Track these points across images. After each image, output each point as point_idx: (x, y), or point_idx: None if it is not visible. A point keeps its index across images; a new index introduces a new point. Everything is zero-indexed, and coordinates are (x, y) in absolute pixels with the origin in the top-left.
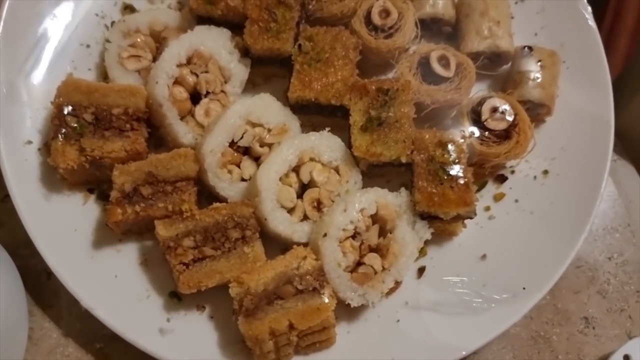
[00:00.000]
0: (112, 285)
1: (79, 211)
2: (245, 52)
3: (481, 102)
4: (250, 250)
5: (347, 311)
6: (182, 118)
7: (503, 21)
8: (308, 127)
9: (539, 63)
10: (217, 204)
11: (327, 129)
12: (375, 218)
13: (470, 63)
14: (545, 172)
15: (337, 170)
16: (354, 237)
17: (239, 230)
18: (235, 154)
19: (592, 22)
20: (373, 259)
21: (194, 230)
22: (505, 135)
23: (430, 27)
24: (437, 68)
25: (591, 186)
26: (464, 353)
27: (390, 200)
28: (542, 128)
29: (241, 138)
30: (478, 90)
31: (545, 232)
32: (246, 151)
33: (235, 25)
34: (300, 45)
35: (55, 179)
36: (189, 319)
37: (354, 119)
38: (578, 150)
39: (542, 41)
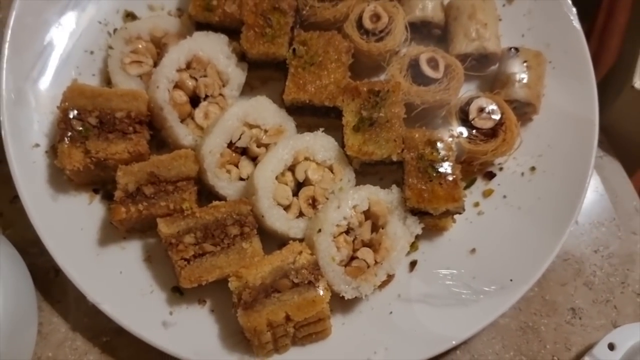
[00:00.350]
0: (117, 281)
1: (85, 211)
2: (242, 57)
3: (469, 102)
4: (248, 245)
5: (341, 303)
6: (182, 120)
7: (490, 23)
8: (303, 127)
9: (525, 64)
10: (217, 202)
11: (321, 129)
12: (367, 214)
13: (459, 64)
14: (532, 168)
15: (331, 168)
16: (347, 232)
17: (238, 227)
18: (234, 155)
19: (576, 23)
20: (366, 254)
21: (195, 228)
22: (492, 133)
23: (420, 30)
24: (427, 70)
25: (576, 182)
26: (454, 342)
27: (382, 197)
28: (529, 126)
29: (239, 139)
30: (466, 90)
31: (532, 227)
32: (244, 151)
33: (232, 30)
34: (294, 50)
35: (62, 180)
36: (190, 313)
37: (346, 119)
38: (564, 147)
39: (529, 42)
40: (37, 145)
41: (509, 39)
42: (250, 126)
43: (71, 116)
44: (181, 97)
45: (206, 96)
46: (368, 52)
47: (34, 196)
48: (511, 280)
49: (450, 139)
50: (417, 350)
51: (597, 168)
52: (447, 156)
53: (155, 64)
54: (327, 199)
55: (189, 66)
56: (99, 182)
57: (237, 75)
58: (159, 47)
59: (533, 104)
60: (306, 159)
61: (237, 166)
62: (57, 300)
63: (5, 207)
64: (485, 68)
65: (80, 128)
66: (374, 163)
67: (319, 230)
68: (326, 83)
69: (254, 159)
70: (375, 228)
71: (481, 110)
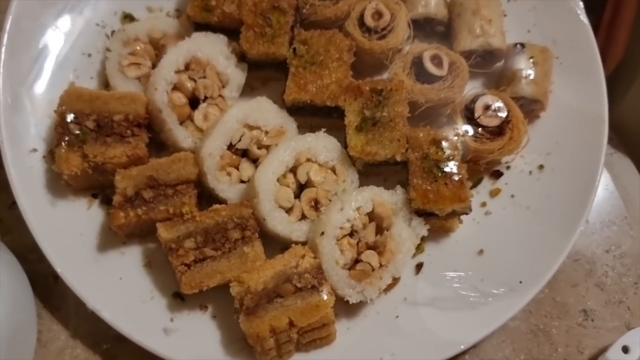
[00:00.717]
0: (116, 287)
1: (84, 216)
2: (241, 57)
3: (474, 100)
4: (250, 250)
5: (346, 308)
6: (181, 123)
7: (495, 19)
8: (305, 128)
9: (531, 60)
10: (217, 206)
11: (323, 129)
12: (371, 216)
13: (463, 61)
14: (541, 167)
15: (333, 170)
16: (351, 235)
17: (239, 230)
18: (234, 157)
19: (584, 18)
20: (370, 256)
21: (195, 232)
22: (498, 131)
23: (423, 27)
24: (430, 67)
25: (586, 180)
26: (462, 347)
27: (386, 198)
28: (537, 124)
29: (239, 141)
30: (472, 88)
31: (541, 226)
32: (244, 153)
33: (231, 31)
34: (295, 49)
35: (60, 185)
36: (192, 319)
37: (349, 119)
38: (573, 145)
39: (535, 38)
40: (35, 150)
41: (514, 35)
42: (251, 127)
43: (68, 120)
44: (180, 99)
45: (205, 97)
46: (370, 51)
47: (31, 202)
48: (520, 282)
49: (456, 138)
50: (425, 355)
51: (607, 165)
52: (453, 155)
53: (154, 66)
54: (330, 200)
55: (187, 67)
56: (97, 186)
57: (236, 76)
58: (158, 48)
59: (540, 100)
60: (308, 160)
61: (237, 168)
62: (56, 308)
63: (3, 213)
64: (490, 65)
65: (78, 132)
66: (378, 164)
67: (322, 233)
68: (328, 82)
69: (255, 161)
70: (379, 230)
71: (487, 107)
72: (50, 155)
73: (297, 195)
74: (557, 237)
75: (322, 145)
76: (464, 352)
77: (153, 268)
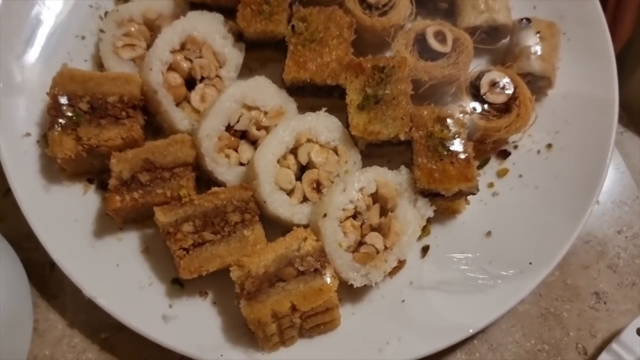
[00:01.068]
0: (114, 274)
1: (79, 201)
2: (239, 37)
3: (480, 76)
4: (250, 233)
5: (350, 292)
6: (177, 104)
7: None
8: (305, 109)
9: (538, 35)
10: (216, 189)
11: (324, 109)
12: (375, 197)
13: (468, 38)
14: (549, 146)
15: (335, 150)
16: (354, 216)
17: (239, 213)
18: (232, 138)
19: None
20: (375, 238)
21: (193, 216)
22: (505, 108)
23: (426, 4)
24: (434, 44)
25: (596, 159)
26: (471, 331)
27: (390, 179)
28: (545, 101)
29: (237, 122)
30: (477, 65)
31: (550, 207)
32: (243, 135)
33: (228, 9)
34: (293, 26)
35: (54, 170)
36: (191, 305)
37: (350, 97)
38: (582, 124)
39: (541, 14)
40: (28, 134)
41: (519, 11)
42: (249, 108)
43: (61, 102)
44: (176, 79)
45: (202, 78)
46: (371, 28)
47: (26, 188)
48: (530, 263)
49: (461, 116)
50: (432, 340)
51: (617, 144)
52: (459, 133)
53: (149, 47)
54: (332, 182)
55: (183, 47)
56: (93, 171)
57: (234, 55)
58: (152, 29)
59: (548, 77)
60: (309, 140)
61: (236, 150)
62: (53, 296)
63: None
64: (496, 41)
65: (71, 114)
66: (381, 143)
67: (324, 215)
68: (328, 60)
69: (254, 143)
70: (384, 212)
71: (493, 84)
72: (44, 140)
73: (298, 177)
74: (567, 218)
75: (323, 125)
76: (472, 337)
77: (151, 254)
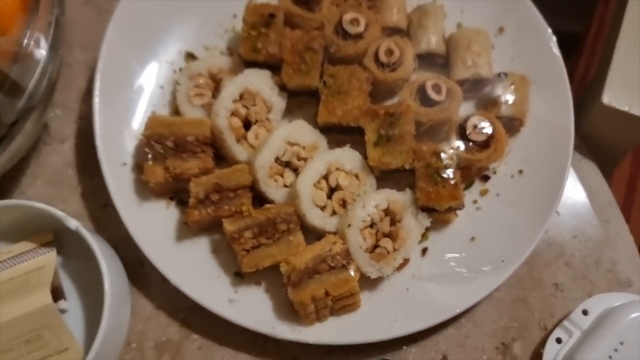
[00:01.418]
0: (191, 268)
1: (164, 214)
2: (282, 88)
3: (466, 120)
4: (293, 238)
5: (368, 282)
6: (238, 141)
7: (484, 53)
8: (334, 144)
9: (512, 86)
10: (268, 205)
11: (348, 145)
12: (387, 211)
13: (458, 88)
14: (520, 171)
15: (357, 176)
16: (371, 226)
17: (285, 224)
18: (279, 167)
19: (556, 50)
20: (386, 242)
21: (252, 225)
22: (485, 144)
23: (427, 59)
24: (432, 93)
25: (556, 181)
26: (457, 311)
27: (398, 198)
28: (517, 136)
29: (283, 154)
30: (465, 109)
31: (520, 218)
32: (287, 164)
33: (274, 67)
34: (325, 82)
35: (144, 190)
36: (250, 292)
37: (368, 136)
38: (546, 153)
39: (518, 65)
40: (125, 163)
41: (500, 62)
42: (292, 144)
43: (153, 141)
44: (236, 122)
45: (256, 121)
46: (384, 81)
47: (124, 203)
48: (503, 261)
49: (452, 151)
50: (429, 318)
51: (576, 169)
52: (449, 164)
53: (213, 95)
54: (354, 200)
55: (241, 97)
56: (173, 191)
57: (279, 102)
58: (216, 81)
59: (519, 118)
60: (337, 169)
61: (282, 176)
62: (142, 286)
63: (98, 213)
64: (479, 90)
65: (161, 150)
66: (391, 171)
67: (349, 225)
68: (351, 107)
69: (295, 170)
70: (393, 222)
71: (475, 126)
72: (137, 167)
73: (329, 196)
74: (533, 226)
75: (347, 157)
76: (460, 316)
77: (218, 254)
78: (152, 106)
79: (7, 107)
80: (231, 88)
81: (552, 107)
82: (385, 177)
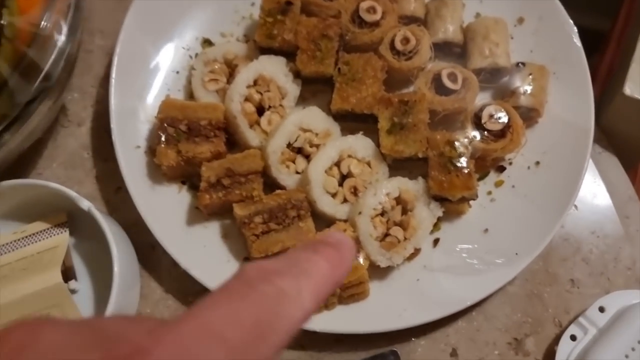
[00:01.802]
0: (201, 252)
1: (175, 198)
2: (297, 75)
3: (482, 109)
4: (304, 224)
5: (378, 272)
6: (251, 126)
7: (501, 42)
8: (346, 131)
9: (530, 76)
10: (279, 191)
11: (361, 132)
12: (398, 200)
13: (474, 78)
14: (537, 163)
15: (369, 164)
16: (382, 214)
17: (295, 210)
18: (291, 153)
19: (577, 41)
20: (397, 231)
21: (262, 211)
22: (501, 134)
23: (443, 49)
24: (447, 82)
25: (574, 174)
26: (468, 303)
27: (410, 187)
28: (535, 128)
29: (295, 141)
30: (482, 99)
31: (536, 211)
32: (299, 151)
33: (289, 54)
34: (339, 69)
35: (157, 174)
36: None
37: (381, 124)
38: (564, 145)
39: (537, 56)
40: (138, 146)
41: (519, 54)
42: (304, 130)
43: (166, 124)
44: (250, 108)
45: (269, 107)
46: (399, 70)
47: (137, 187)
48: (516, 254)
49: (466, 140)
50: (438, 309)
51: (596, 162)
52: (463, 153)
53: (228, 81)
54: (366, 188)
55: (255, 83)
56: (186, 175)
57: (293, 89)
58: (231, 67)
59: (537, 109)
60: (349, 156)
61: (294, 162)
62: (152, 270)
63: (110, 196)
64: (497, 80)
65: (174, 134)
66: (404, 159)
67: (360, 213)
68: (365, 95)
69: (307, 157)
70: (404, 211)
71: (491, 115)
72: (150, 151)
73: (340, 184)
74: (548, 219)
75: (360, 144)
76: (471, 309)
77: (229, 239)
78: (167, 90)
79: (22, 86)
80: (245, 74)
81: (571, 98)
82: (398, 166)
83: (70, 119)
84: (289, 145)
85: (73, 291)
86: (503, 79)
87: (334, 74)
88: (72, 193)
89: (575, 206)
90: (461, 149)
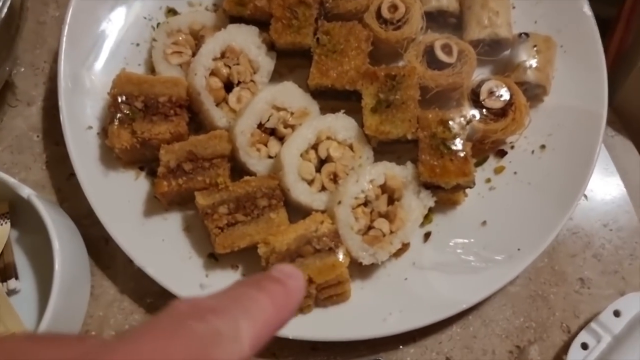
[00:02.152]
0: (160, 248)
1: (132, 186)
2: (271, 46)
3: (480, 85)
4: (275, 216)
5: (361, 270)
6: (217, 104)
7: (502, 11)
8: (326, 110)
9: (535, 48)
10: (248, 177)
11: (342, 111)
12: (384, 188)
13: (471, 50)
14: (542, 146)
15: (351, 147)
16: (365, 204)
17: (266, 199)
18: (263, 135)
19: (587, 9)
20: (382, 224)
21: (228, 200)
22: (502, 113)
23: (437, 19)
24: (441, 55)
25: (584, 160)
26: (464, 306)
27: (397, 172)
28: (540, 107)
29: (268, 120)
30: (480, 74)
31: (540, 201)
32: (272, 132)
33: (262, 23)
34: (318, 39)
35: (111, 158)
36: (224, 276)
37: (365, 101)
38: (573, 128)
39: (542, 28)
40: (90, 127)
41: (521, 25)
42: (278, 109)
43: (120, 101)
44: (216, 83)
45: (239, 82)
46: (386, 40)
47: (87, 173)
48: (519, 249)
49: (462, 119)
50: (430, 313)
51: (608, 147)
52: (458, 134)
53: (194, 54)
54: (347, 174)
55: (223, 55)
56: (144, 160)
57: (266, 63)
58: (197, 39)
59: (543, 85)
60: (328, 138)
61: (266, 145)
62: (106, 267)
63: (62, 183)
64: (498, 53)
65: (128, 112)
66: (391, 142)
67: (339, 202)
68: (347, 69)
69: (281, 139)
70: (391, 201)
71: (491, 92)
72: (104, 132)
73: (318, 169)
74: (555, 210)
75: (341, 125)
76: (467, 313)
77: (191, 232)
78: (125, 65)
79: None
80: (212, 44)
81: (581, 74)
82: (385, 150)
83: (19, 98)
84: (260, 126)
85: (14, 291)
86: (504, 51)
87: (312, 45)
88: (11, 179)
89: (585, 196)
90: (456, 130)
